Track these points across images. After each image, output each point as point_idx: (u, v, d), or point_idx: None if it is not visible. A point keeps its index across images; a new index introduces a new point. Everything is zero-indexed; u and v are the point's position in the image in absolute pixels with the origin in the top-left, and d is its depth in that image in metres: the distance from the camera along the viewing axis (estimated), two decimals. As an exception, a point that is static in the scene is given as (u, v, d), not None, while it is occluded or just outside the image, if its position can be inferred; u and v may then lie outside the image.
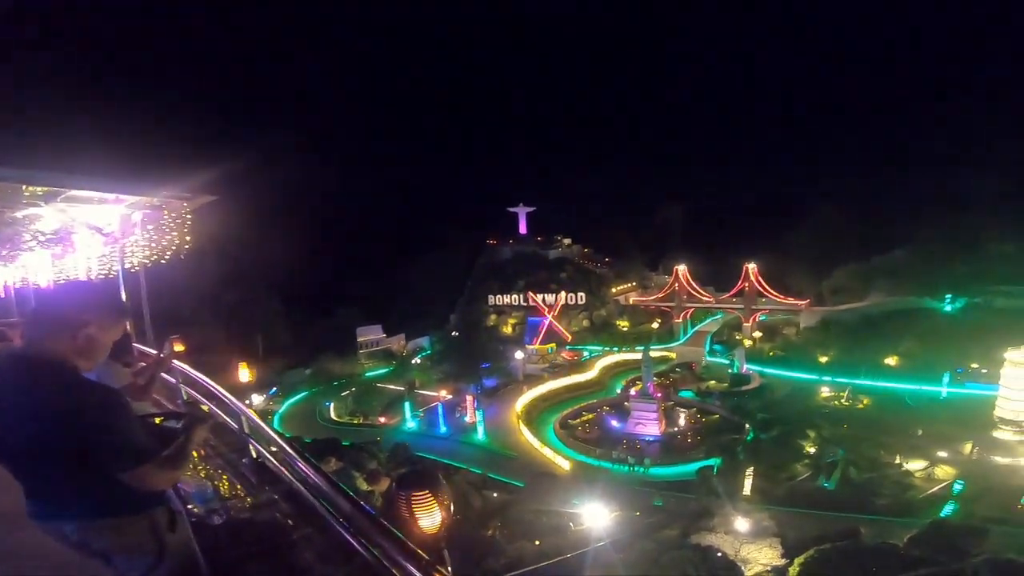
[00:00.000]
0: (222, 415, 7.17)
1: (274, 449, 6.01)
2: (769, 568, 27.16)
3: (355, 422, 69.55)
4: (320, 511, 4.61)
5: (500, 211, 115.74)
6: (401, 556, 3.09)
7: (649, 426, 56.66)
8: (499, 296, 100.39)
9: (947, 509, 37.52)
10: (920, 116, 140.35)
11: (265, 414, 68.06)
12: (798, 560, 25.35)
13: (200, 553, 3.52)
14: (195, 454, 7.12)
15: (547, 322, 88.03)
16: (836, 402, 62.76)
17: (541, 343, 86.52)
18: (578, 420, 63.94)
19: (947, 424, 51.96)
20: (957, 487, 39.70)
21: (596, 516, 35.39)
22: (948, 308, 78.58)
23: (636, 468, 48.19)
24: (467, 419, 65.13)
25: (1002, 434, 48.34)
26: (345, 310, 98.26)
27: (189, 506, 5.58)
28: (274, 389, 77.68)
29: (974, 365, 63.09)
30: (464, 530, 35.40)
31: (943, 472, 43.99)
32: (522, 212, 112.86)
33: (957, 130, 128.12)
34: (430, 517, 4.03)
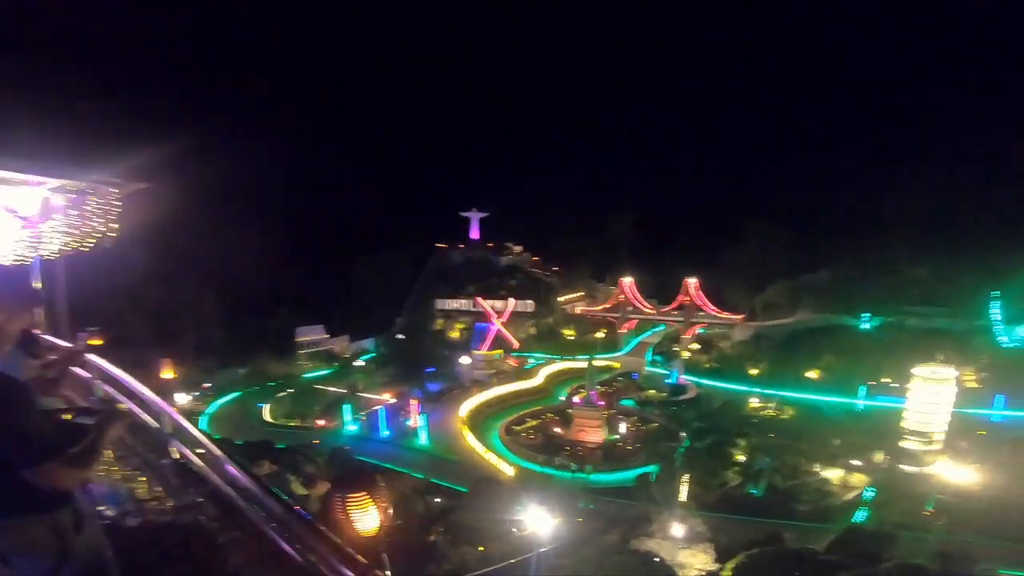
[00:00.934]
0: (142, 414, 6.77)
1: (199, 450, 5.74)
2: (703, 573, 28.11)
3: (291, 424, 67.10)
4: (249, 514, 4.43)
5: (452, 214, 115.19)
6: (336, 560, 2.99)
7: (592, 433, 57.60)
8: (448, 300, 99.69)
9: (860, 515, 40.06)
10: (846, 146, 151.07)
11: (192, 414, 64.39)
12: (729, 565, 26.42)
13: (111, 556, 3.33)
14: (110, 454, 6.65)
15: (495, 328, 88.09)
16: (764, 412, 66.09)
17: (488, 349, 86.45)
18: (523, 426, 64.27)
19: (861, 434, 55.61)
20: (869, 494, 42.45)
21: (539, 522, 35.52)
22: (865, 326, 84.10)
23: (578, 474, 48.83)
24: (410, 423, 64.21)
25: (909, 444, 51.61)
26: (286, 309, 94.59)
27: (101, 508, 5.26)
28: (204, 388, 73.79)
29: (886, 380, 67.74)
30: (406, 535, 34.81)
31: (857, 480, 47.10)
32: (475, 217, 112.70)
33: (878, 161, 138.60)
34: (367, 519, 3.89)
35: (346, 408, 65.56)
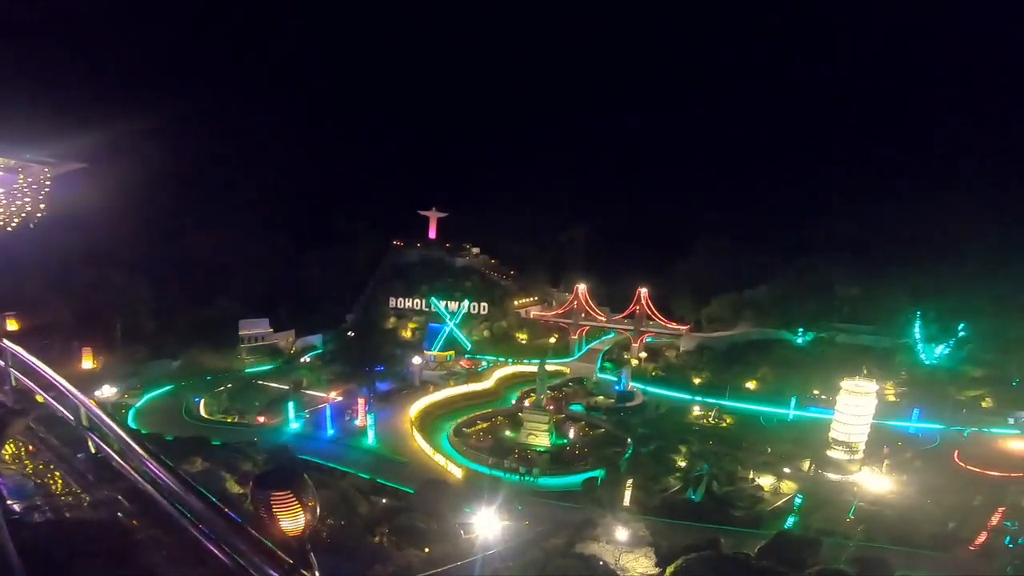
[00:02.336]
0: (57, 406, 6.37)
1: (118, 445, 5.48)
2: (644, 576, 28.65)
3: (229, 420, 64.56)
4: (169, 511, 4.28)
5: (411, 212, 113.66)
6: (260, 559, 2.93)
7: (540, 437, 57.97)
8: (401, 299, 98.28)
9: (790, 521, 42.07)
10: (788, 172, 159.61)
11: (119, 408, 61.52)
12: (669, 569, 27.01)
13: (16, 552, 3.23)
14: (16, 448, 6.34)
15: (448, 329, 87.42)
16: (705, 420, 68.35)
17: (440, 350, 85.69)
18: (472, 429, 63.92)
19: (792, 443, 58.70)
20: (797, 501, 44.48)
21: (487, 524, 35.45)
22: (799, 340, 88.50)
23: (526, 478, 48.99)
24: (357, 422, 63.10)
25: (835, 453, 54.86)
26: (227, 301, 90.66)
27: (9, 503, 5.09)
28: (132, 381, 69.73)
29: (816, 392, 71.67)
30: (350, 536, 33.97)
31: (787, 487, 49.49)
32: (434, 216, 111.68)
33: (817, 188, 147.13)
34: (293, 519, 3.73)
35: (290, 405, 63.82)
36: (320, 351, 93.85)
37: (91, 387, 61.55)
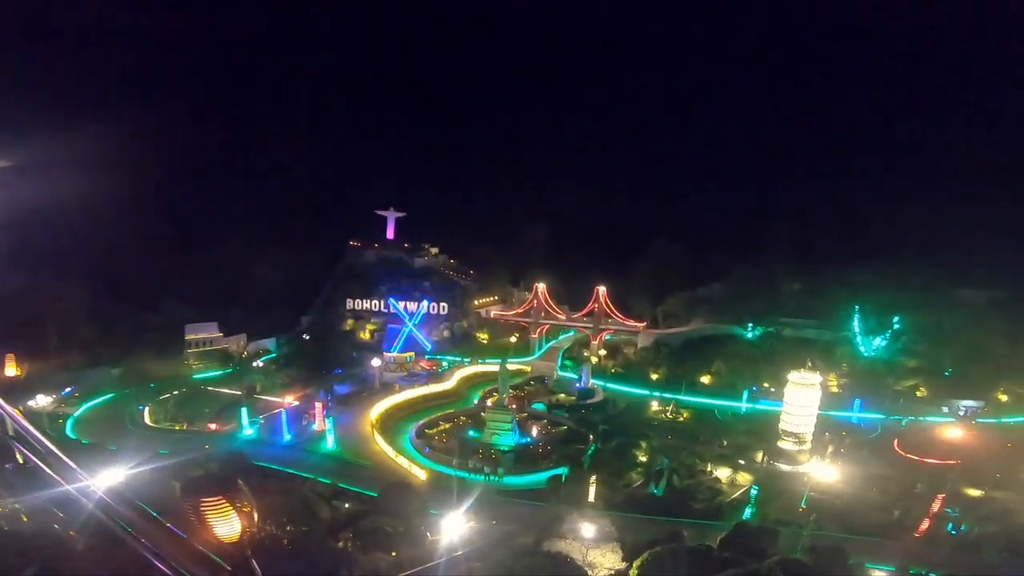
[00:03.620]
0: None
1: (46, 455, 5.39)
2: (612, 572, 29.34)
3: (178, 428, 62.04)
4: (104, 520, 4.21)
5: (368, 212, 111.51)
6: (197, 567, 2.89)
7: (504, 437, 58.25)
8: (359, 301, 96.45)
9: (747, 512, 43.73)
10: (735, 173, 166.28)
11: (55, 418, 59.20)
12: (636, 563, 27.80)
13: None
14: None
15: (408, 330, 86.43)
16: (663, 415, 70.26)
17: (400, 351, 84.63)
18: (435, 430, 63.52)
19: (745, 436, 60.98)
20: (753, 492, 46.20)
21: (453, 525, 35.40)
22: (749, 335, 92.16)
23: (491, 477, 49.14)
24: (315, 427, 61.71)
25: (785, 444, 56.92)
26: (172, 304, 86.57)
27: None
28: (69, 389, 65.80)
29: (766, 384, 74.80)
30: (312, 542, 33.23)
31: (743, 478, 51.45)
32: (391, 216, 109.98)
33: (763, 188, 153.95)
34: (227, 525, 3.74)
35: (243, 411, 61.78)
36: (274, 355, 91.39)
37: (22, 396, 58.03)
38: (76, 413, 62.23)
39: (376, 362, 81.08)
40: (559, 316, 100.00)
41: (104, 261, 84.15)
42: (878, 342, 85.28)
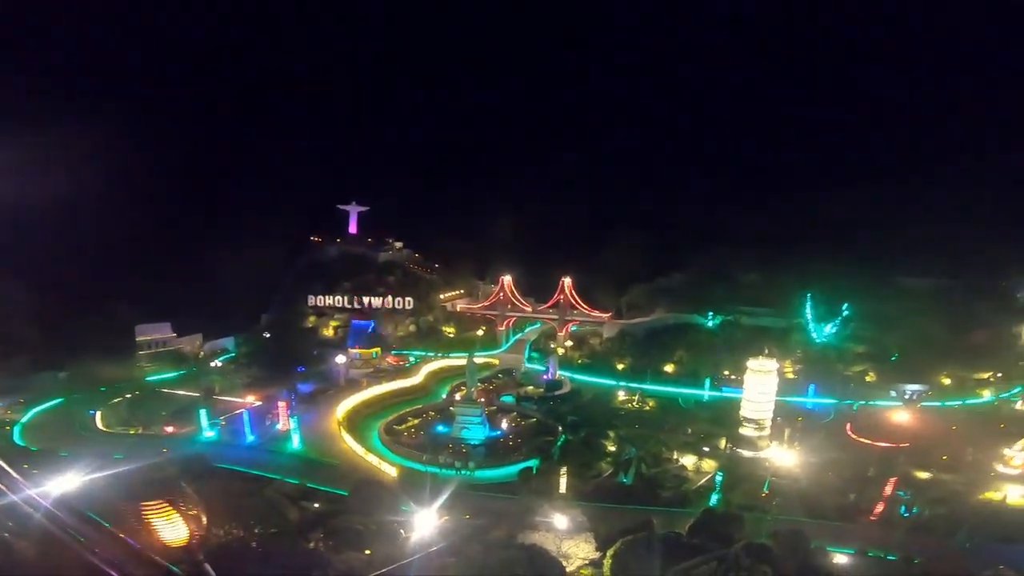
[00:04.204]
0: None
1: None
2: (587, 561, 29.86)
3: (132, 432, 59.96)
4: (50, 528, 4.14)
5: (329, 207, 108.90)
6: (146, 572, 2.86)
7: (474, 430, 58.26)
8: (321, 297, 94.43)
9: (713, 499, 44.97)
10: (694, 168, 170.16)
11: (2, 424, 57.70)
12: (609, 552, 28.43)
13: None
14: None
15: (373, 326, 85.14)
16: (630, 405, 71.44)
17: (365, 347, 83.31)
18: (404, 426, 62.98)
19: (708, 423, 62.56)
20: (718, 478, 47.38)
21: (426, 521, 35.29)
22: (709, 324, 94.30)
23: (462, 472, 49.13)
24: (279, 427, 60.46)
25: (746, 431, 58.40)
26: (121, 305, 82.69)
27: None
28: (13, 395, 62.74)
29: (726, 372, 76.99)
30: (282, 543, 32.66)
31: (708, 465, 52.80)
32: (354, 211, 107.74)
33: (720, 182, 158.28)
34: (172, 529, 3.70)
35: (201, 413, 59.92)
36: (233, 355, 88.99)
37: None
38: (23, 419, 59.74)
39: (341, 359, 79.72)
40: (525, 308, 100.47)
41: (48, 260, 79.70)
42: (829, 329, 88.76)
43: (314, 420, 63.05)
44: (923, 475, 49.85)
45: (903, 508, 43.61)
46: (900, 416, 64.27)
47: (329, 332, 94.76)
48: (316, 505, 42.16)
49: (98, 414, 61.69)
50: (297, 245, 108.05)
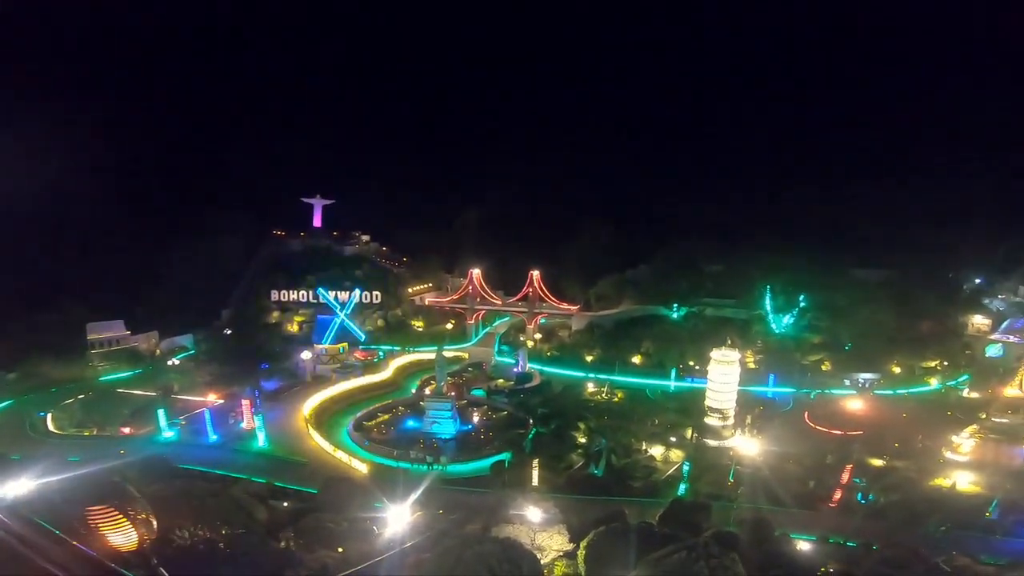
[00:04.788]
0: None
1: None
2: (561, 553, 30.22)
3: (87, 434, 58.22)
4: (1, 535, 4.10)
5: (293, 200, 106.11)
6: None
7: (445, 425, 58.13)
8: (284, 292, 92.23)
9: (682, 488, 45.94)
10: (658, 161, 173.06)
11: None
12: (583, 544, 28.83)
13: None
14: None
15: (339, 321, 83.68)
16: (599, 396, 72.24)
17: (332, 342, 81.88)
18: (373, 421, 62.39)
19: (675, 413, 63.47)
20: (686, 468, 48.39)
21: (399, 518, 35.10)
22: (675, 315, 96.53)
23: (434, 466, 49.01)
24: (244, 425, 59.34)
25: (711, 420, 59.92)
26: (71, 302, 78.97)
27: None
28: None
29: (691, 362, 78.82)
30: (251, 543, 31.93)
31: (675, 455, 53.83)
32: (318, 204, 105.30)
33: (684, 176, 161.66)
34: (122, 534, 3.71)
35: (160, 413, 58.40)
36: (192, 352, 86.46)
37: None
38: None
39: (306, 355, 78.27)
40: (495, 301, 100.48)
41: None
42: (787, 319, 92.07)
43: (280, 418, 62.01)
44: (877, 462, 51.56)
45: (859, 495, 44.97)
46: (854, 404, 66.71)
47: (293, 327, 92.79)
48: (285, 504, 41.50)
49: (49, 416, 59.38)
50: (258, 239, 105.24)
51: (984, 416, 57.42)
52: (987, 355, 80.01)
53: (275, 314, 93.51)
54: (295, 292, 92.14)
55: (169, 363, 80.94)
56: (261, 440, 56.07)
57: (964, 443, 53.64)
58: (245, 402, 60.36)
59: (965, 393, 71.77)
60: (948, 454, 53.25)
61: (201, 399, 66.72)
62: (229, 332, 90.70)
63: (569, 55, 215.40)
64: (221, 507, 37.30)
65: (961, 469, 50.06)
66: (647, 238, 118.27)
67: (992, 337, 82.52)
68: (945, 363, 79.26)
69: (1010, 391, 57.57)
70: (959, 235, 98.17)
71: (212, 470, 48.27)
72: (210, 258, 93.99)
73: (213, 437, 57.15)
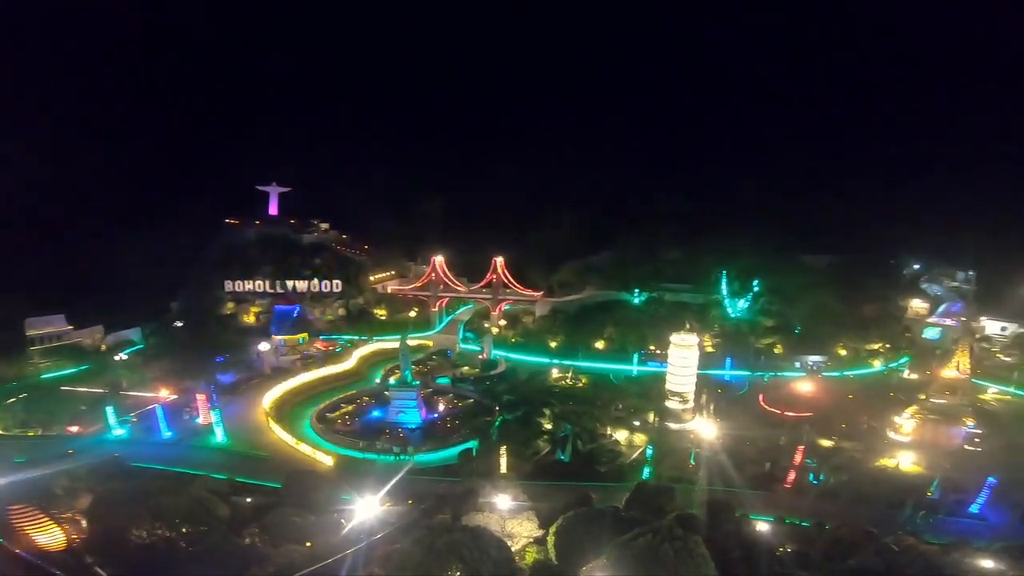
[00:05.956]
0: None
1: None
2: (531, 539, 30.61)
3: (31, 434, 55.28)
4: None
5: (248, 188, 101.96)
6: None
7: (410, 414, 57.71)
8: (239, 282, 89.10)
9: (646, 472, 46.93)
10: (618, 151, 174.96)
11: None
12: (552, 529, 29.29)
13: None
14: None
15: (298, 310, 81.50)
16: (564, 382, 72.90)
17: (291, 333, 79.72)
18: (337, 413, 61.24)
19: (638, 398, 64.59)
20: (649, 452, 49.42)
21: (368, 509, 34.83)
22: (636, 301, 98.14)
23: (402, 457, 48.68)
24: (200, 420, 57.64)
25: (672, 404, 61.27)
26: (7, 296, 74.00)
27: None
28: None
29: (652, 347, 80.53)
30: (213, 541, 31.23)
31: (639, 439, 54.82)
32: (274, 191, 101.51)
33: (645, 165, 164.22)
34: (46, 534, 3.69)
35: (108, 410, 55.99)
36: (141, 346, 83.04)
37: None
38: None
39: (265, 346, 76.01)
40: (458, 288, 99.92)
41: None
42: (742, 304, 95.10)
43: (238, 412, 60.40)
44: (826, 443, 53.49)
45: (811, 475, 46.63)
46: (804, 386, 68.83)
47: (250, 318, 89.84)
48: (248, 500, 40.47)
49: (-13, 416, 55.79)
50: (211, 228, 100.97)
51: (923, 397, 59.67)
52: (925, 338, 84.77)
53: (230, 305, 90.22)
54: (251, 282, 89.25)
55: (116, 358, 77.42)
56: (219, 435, 54.46)
57: (905, 424, 55.68)
58: (200, 397, 58.54)
59: (906, 375, 75.24)
60: (891, 434, 55.40)
61: (152, 395, 64.36)
62: (180, 325, 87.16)
63: (530, 44, 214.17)
64: (180, 505, 36.21)
65: (904, 449, 52.11)
66: (608, 225, 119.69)
67: (930, 320, 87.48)
68: (887, 346, 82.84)
69: (947, 372, 59.85)
70: (900, 223, 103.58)
71: (168, 468, 46.79)
72: (159, 249, 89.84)
73: (167, 434, 55.23)
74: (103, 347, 79.85)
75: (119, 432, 55.11)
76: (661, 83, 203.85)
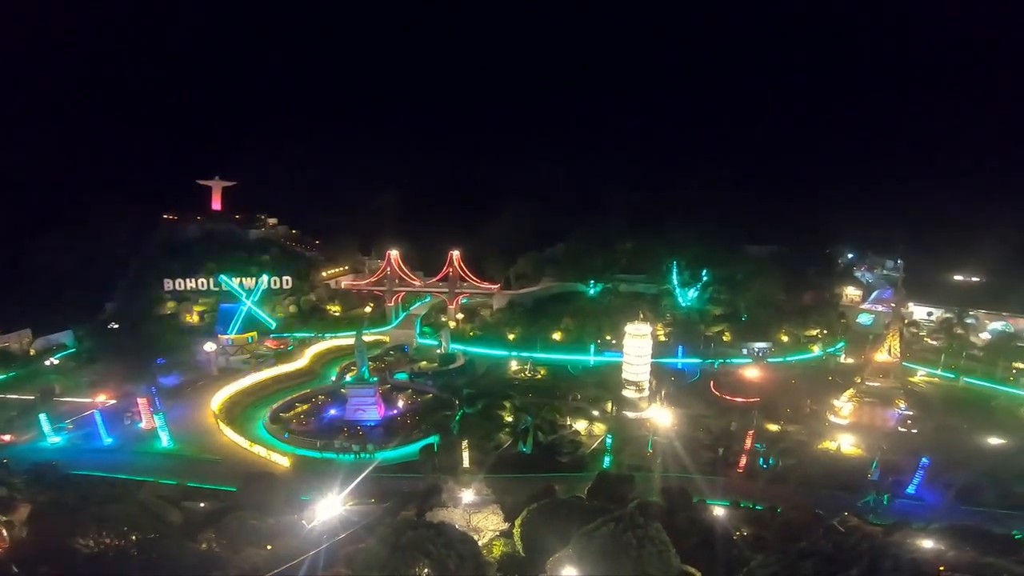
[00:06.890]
0: None
1: None
2: (497, 533, 30.82)
3: None
4: None
5: (188, 182, 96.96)
6: None
7: (369, 411, 56.77)
8: (180, 280, 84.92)
9: (607, 461, 47.84)
10: (572, 144, 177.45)
11: None
12: (517, 522, 29.59)
13: None
14: None
15: (245, 309, 78.38)
16: (523, 374, 73.46)
17: (239, 332, 76.65)
18: (291, 412, 59.48)
19: (595, 388, 65.51)
20: (608, 441, 50.51)
21: (329, 510, 34.21)
22: (592, 292, 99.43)
23: (362, 455, 47.90)
24: (142, 425, 55.22)
25: (628, 393, 62.28)
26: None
27: None
28: None
29: (608, 337, 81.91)
30: (166, 548, 30.06)
31: (598, 429, 55.71)
32: (217, 186, 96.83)
33: (597, 157, 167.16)
34: None
35: (41, 418, 53.08)
36: (73, 350, 78.33)
37: None
38: None
39: (210, 346, 72.90)
40: (414, 283, 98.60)
41: None
42: (692, 293, 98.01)
43: (184, 415, 58.12)
44: (773, 428, 55.44)
45: (761, 460, 48.13)
46: (751, 372, 71.77)
47: (193, 318, 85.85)
48: (202, 505, 39.04)
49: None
50: (148, 225, 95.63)
51: (859, 380, 62.37)
52: (859, 323, 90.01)
53: (170, 304, 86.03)
54: (193, 280, 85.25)
55: (47, 363, 72.99)
56: (165, 440, 52.21)
57: (844, 407, 58.46)
58: (142, 401, 56.00)
59: (842, 359, 79.41)
60: (832, 418, 58.04)
61: (89, 400, 61.05)
62: (116, 326, 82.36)
63: (489, 33, 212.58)
64: (127, 512, 34.66)
65: (843, 432, 54.52)
66: (563, 217, 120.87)
67: (863, 307, 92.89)
68: (825, 331, 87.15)
69: (880, 357, 62.79)
70: (836, 214, 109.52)
71: (111, 474, 44.76)
72: (90, 247, 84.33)
73: (108, 440, 52.62)
74: (32, 351, 74.75)
75: (55, 440, 52.32)
76: (611, 77, 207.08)
